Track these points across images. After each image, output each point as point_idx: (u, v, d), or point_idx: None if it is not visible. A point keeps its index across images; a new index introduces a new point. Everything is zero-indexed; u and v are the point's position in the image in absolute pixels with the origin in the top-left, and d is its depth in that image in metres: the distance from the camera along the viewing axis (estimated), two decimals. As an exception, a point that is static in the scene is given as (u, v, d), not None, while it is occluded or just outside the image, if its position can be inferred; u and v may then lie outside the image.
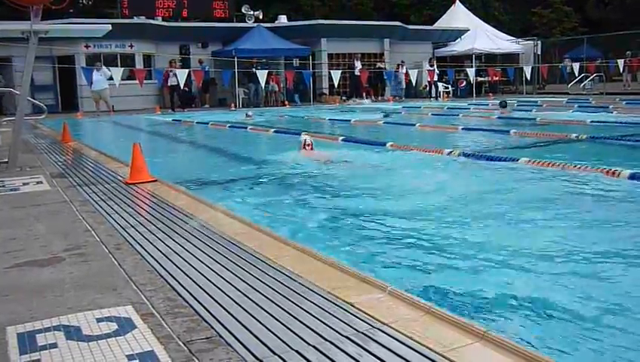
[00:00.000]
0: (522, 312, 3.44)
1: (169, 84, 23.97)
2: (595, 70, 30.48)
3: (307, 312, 3.04)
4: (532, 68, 29.85)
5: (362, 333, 2.78)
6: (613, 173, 7.00)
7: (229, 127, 16.11)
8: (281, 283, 3.47)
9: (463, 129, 13.66)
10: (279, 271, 3.67)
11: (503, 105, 19.79)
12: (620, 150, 9.93)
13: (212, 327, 2.88)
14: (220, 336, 2.78)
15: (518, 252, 4.46)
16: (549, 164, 7.88)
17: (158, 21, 26.24)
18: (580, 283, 3.84)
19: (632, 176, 6.76)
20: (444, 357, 2.55)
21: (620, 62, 27.86)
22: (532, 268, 4.13)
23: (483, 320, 3.27)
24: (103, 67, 21.66)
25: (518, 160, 8.20)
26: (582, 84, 30.14)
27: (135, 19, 25.62)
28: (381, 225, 5.44)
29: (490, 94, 29.88)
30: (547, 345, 3.01)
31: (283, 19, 28.87)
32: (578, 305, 3.50)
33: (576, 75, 29.04)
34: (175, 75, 23.53)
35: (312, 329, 2.84)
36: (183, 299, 3.26)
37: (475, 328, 2.77)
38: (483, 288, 3.77)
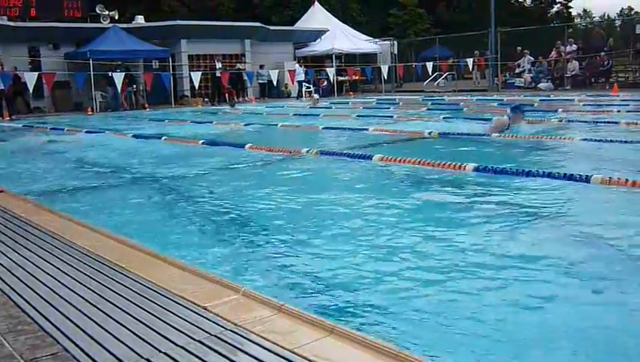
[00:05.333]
0: (373, 302, 3.57)
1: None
2: (447, 69, 32.15)
3: (159, 319, 2.99)
4: (389, 67, 30.94)
5: (215, 336, 2.78)
6: (460, 166, 7.42)
7: (85, 132, 15.47)
8: (133, 290, 3.39)
9: (323, 128, 13.94)
10: (131, 278, 3.60)
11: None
12: (468, 145, 10.51)
13: (58, 342, 2.76)
14: (67, 351, 2.68)
15: (366, 244, 4.64)
16: (401, 160, 8.24)
17: (4, 20, 24.60)
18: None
19: (477, 169, 7.22)
20: (295, 353, 2.59)
21: (469, 61, 29.47)
22: (384, 258, 4.30)
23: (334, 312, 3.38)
24: None
25: (372, 157, 8.50)
26: (436, 82, 31.69)
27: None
28: (235, 225, 5.46)
29: (351, 93, 30.69)
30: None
31: (140, 20, 28.06)
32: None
33: (430, 73, 30.43)
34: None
35: (164, 336, 2.80)
36: (28, 315, 3.11)
37: (325, 323, 2.85)
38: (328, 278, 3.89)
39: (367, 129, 12.83)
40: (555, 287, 3.71)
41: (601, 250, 4.43)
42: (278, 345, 2.67)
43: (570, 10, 63.33)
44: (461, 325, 3.22)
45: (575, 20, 65.82)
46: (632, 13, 65.93)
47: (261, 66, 28.99)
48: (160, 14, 34.17)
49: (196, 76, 25.06)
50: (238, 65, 28.85)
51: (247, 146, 10.51)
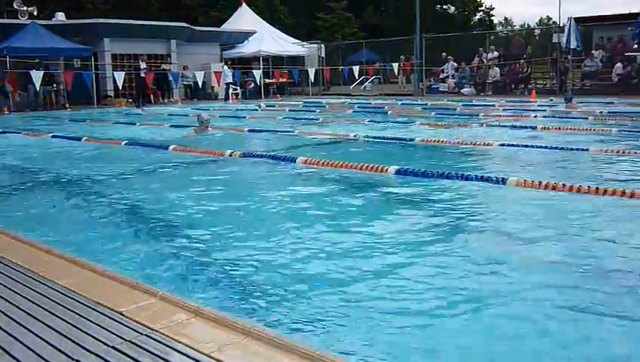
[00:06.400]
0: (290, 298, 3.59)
1: None
2: (374, 73, 32.61)
3: (72, 325, 2.92)
4: (316, 70, 31.11)
5: (130, 342, 2.73)
6: (382, 169, 7.55)
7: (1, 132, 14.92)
8: (45, 296, 3.30)
9: (249, 130, 13.89)
10: (43, 283, 3.49)
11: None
12: (392, 148, 10.70)
13: (-36, 352, 2.67)
14: (-27, 361, 2.59)
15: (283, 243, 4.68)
16: (324, 163, 8.31)
17: None
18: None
19: (398, 171, 7.37)
20: (211, 357, 2.58)
21: (395, 65, 29.96)
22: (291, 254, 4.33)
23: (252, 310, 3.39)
24: None
25: (296, 159, 8.54)
26: (362, 86, 32.09)
27: None
28: (154, 228, 5.38)
29: (278, 96, 30.70)
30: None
31: (61, 17, 27.22)
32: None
33: (357, 77, 30.78)
34: None
35: (77, 343, 2.73)
36: None
37: (241, 325, 2.85)
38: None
39: (292, 131, 12.87)
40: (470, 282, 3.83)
41: (514, 247, 4.60)
42: (194, 349, 2.65)
43: (492, 18, 65.45)
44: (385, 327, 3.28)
45: (497, 28, 68.03)
46: (550, 22, 68.62)
47: (185, 67, 28.58)
48: (82, 12, 33.30)
49: (120, 76, 24.48)
50: (164, 66, 28.38)
51: (170, 148, 10.38)
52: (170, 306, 3.14)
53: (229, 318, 2.94)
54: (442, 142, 10.77)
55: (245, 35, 31.97)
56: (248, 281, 3.94)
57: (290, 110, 20.78)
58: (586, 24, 28.29)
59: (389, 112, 18.51)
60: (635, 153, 8.73)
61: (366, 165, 7.81)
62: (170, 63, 28.74)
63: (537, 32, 41.60)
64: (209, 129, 13.14)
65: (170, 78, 27.66)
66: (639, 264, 4.24)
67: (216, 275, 4.05)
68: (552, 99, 20.80)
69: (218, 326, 2.89)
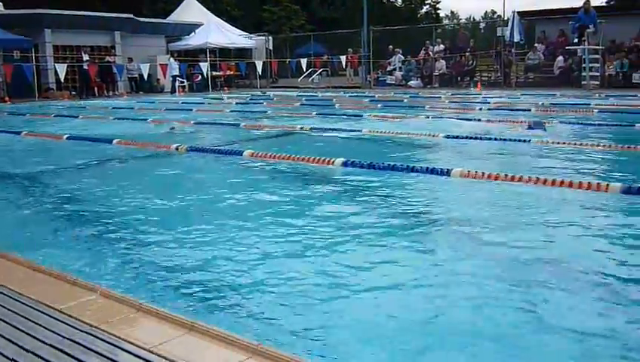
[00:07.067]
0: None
1: None
2: (322, 65, 32.64)
3: (8, 323, 2.84)
4: (264, 63, 30.96)
5: (68, 339, 2.67)
6: (329, 161, 7.57)
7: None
8: (-20, 294, 3.20)
9: (194, 123, 13.74)
10: (-22, 282, 3.39)
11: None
12: (339, 140, 10.73)
13: None
14: None
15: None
16: (271, 156, 8.30)
17: None
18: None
19: (345, 163, 7.40)
20: (152, 352, 2.55)
21: (343, 58, 30.03)
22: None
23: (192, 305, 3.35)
24: None
25: (242, 152, 8.48)
26: (310, 78, 32.09)
27: None
28: (95, 223, 5.26)
29: (226, 88, 30.44)
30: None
31: (-1, 7, 26.43)
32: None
33: (305, 69, 30.76)
34: None
35: (13, 342, 2.66)
36: None
37: (184, 320, 2.82)
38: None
39: (239, 124, 12.77)
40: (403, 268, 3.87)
41: (455, 235, 4.69)
42: (135, 344, 2.61)
43: (439, 11, 66.28)
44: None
45: (443, 21, 68.88)
46: (495, 16, 69.78)
47: (130, 59, 28.05)
48: (22, 1, 32.29)
49: (62, 68, 23.90)
50: (108, 58, 27.81)
51: (114, 141, 10.18)
52: (112, 302, 3.08)
53: (172, 313, 2.90)
54: (389, 133, 10.86)
55: (192, 27, 31.56)
56: (189, 276, 3.89)
57: (237, 103, 20.65)
58: (529, 18, 28.88)
59: (337, 105, 18.57)
60: (576, 144, 8.97)
61: (313, 158, 7.81)
62: (115, 55, 28.17)
63: (482, 25, 42.21)
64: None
65: (115, 71, 27.08)
66: (579, 251, 4.35)
67: (157, 270, 3.99)
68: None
69: (161, 321, 2.85)
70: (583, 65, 22.38)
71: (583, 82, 22.45)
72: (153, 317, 2.90)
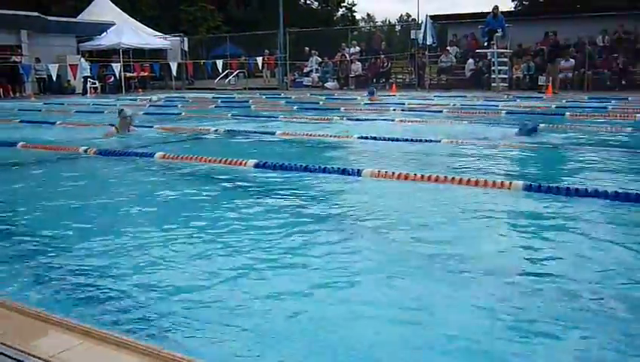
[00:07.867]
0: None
1: None
2: (238, 67, 32.45)
3: None
4: (179, 64, 30.48)
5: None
6: (241, 163, 7.51)
7: None
8: None
9: (109, 125, 13.32)
10: None
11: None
12: (253, 142, 10.67)
13: None
14: None
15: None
16: (183, 157, 8.20)
17: None
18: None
19: (257, 165, 7.36)
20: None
21: (259, 59, 29.95)
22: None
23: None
24: None
25: (154, 154, 8.30)
26: (227, 80, 31.85)
27: None
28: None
29: (140, 90, 29.80)
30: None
31: None
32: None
33: (220, 71, 30.50)
34: None
35: None
36: None
37: (80, 327, 2.74)
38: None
39: (152, 127, 12.50)
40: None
41: (366, 233, 4.72)
42: (33, 355, 2.50)
43: (355, 14, 67.06)
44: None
45: (359, 24, 69.75)
46: (410, 19, 71.20)
47: (37, 60, 27.00)
48: None
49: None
50: (14, 58, 26.68)
51: (19, 145, 9.77)
52: (8, 311, 2.95)
53: (69, 320, 2.81)
54: (303, 135, 10.88)
55: (104, 27, 30.65)
56: (90, 283, 3.76)
57: (151, 105, 20.23)
58: (441, 22, 29.70)
59: (253, 106, 18.52)
60: (484, 145, 9.25)
61: (225, 159, 7.74)
62: (21, 55, 27.07)
63: (398, 28, 43.02)
64: (133, 127, 11.44)
65: (22, 71, 26.03)
66: (481, 247, 4.47)
67: (57, 278, 3.83)
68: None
69: (58, 328, 2.76)
70: (493, 68, 23.18)
71: (492, 84, 23.25)
72: (49, 325, 2.80)
